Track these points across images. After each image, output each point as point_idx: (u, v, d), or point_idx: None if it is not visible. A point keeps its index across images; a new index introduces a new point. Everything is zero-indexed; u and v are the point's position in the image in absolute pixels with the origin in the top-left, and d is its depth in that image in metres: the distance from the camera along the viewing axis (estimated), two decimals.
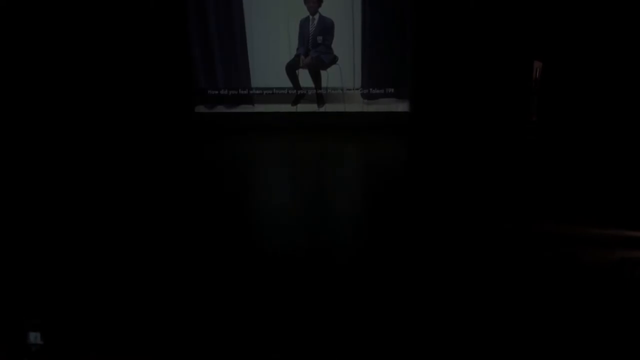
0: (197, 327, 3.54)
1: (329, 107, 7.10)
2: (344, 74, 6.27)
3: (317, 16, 5.52)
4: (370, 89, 6.68)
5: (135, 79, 8.48)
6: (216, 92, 7.25)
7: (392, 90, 7.36)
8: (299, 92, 6.16)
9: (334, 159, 8.06)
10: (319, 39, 5.45)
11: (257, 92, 6.40)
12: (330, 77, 6.32)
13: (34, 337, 3.02)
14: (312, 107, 6.76)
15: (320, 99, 6.36)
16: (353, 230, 5.51)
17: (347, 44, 6.36)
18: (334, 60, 5.82)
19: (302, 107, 6.54)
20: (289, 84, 6.39)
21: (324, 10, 5.73)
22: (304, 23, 5.55)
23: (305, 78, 6.46)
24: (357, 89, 6.18)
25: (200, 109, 7.71)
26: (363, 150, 8.40)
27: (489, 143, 7.73)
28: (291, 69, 5.73)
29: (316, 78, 5.87)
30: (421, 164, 7.63)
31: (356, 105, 6.40)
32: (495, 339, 3.36)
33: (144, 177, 6.84)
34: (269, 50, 6.46)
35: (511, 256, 4.52)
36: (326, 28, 5.54)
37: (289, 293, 4.02)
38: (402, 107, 8.74)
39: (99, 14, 8.10)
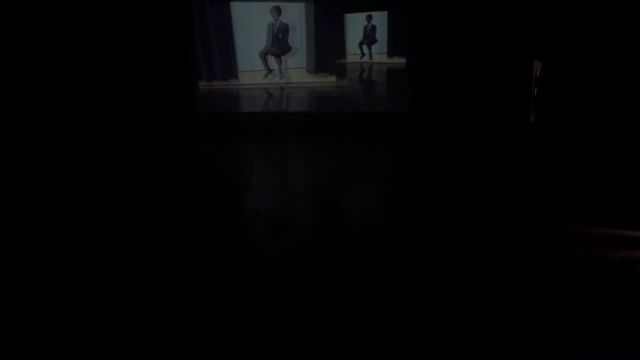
0: (195, 328, 3.54)
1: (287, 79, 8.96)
2: (296, 58, 8.47)
3: (278, 22, 8.09)
4: (312, 68, 8.87)
5: (134, 78, 8.48)
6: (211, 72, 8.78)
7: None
8: (268, 69, 8.48)
9: (334, 159, 8.06)
10: (280, 36, 7.89)
11: (242, 71, 8.50)
12: (288, 60, 8.60)
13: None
14: (276, 79, 8.68)
15: (281, 74, 8.53)
16: (353, 231, 5.52)
17: (299, 39, 8.58)
18: (289, 50, 8.25)
19: (270, 79, 8.69)
20: (261, 66, 8.54)
21: (284, 17, 8.36)
22: (271, 26, 8.08)
23: (271, 60, 8.57)
24: (303, 67, 8.52)
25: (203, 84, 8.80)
26: (362, 150, 8.40)
27: (489, 142, 7.74)
28: (263, 54, 8.18)
29: (279, 60, 8.23)
30: (421, 163, 7.64)
31: (301, 75, 8.59)
32: (494, 340, 3.36)
33: (143, 177, 6.85)
34: (251, 43, 8.50)
35: (510, 255, 4.53)
36: (285, 29, 8.09)
37: (288, 295, 4.01)
38: (401, 107, 9.06)
39: (100, 13, 8.10)
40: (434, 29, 8.60)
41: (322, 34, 8.15)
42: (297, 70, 8.23)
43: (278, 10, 7.75)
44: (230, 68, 8.06)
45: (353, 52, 9.62)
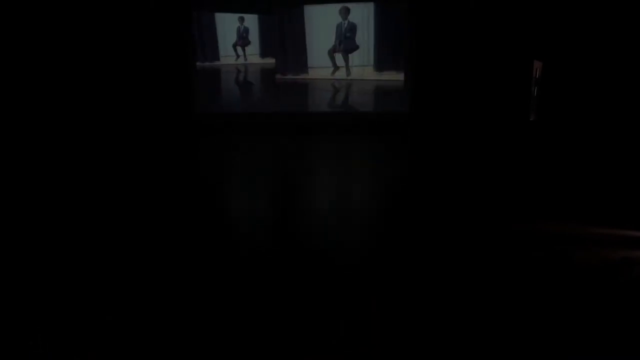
0: (195, 328, 3.54)
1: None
2: (252, 49, 9.54)
3: (242, 26, 9.41)
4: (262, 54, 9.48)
5: (135, 78, 8.49)
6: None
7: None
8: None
9: (334, 159, 8.06)
10: (244, 35, 9.45)
11: (223, 56, 9.59)
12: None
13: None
14: (241, 60, 9.64)
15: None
16: (353, 230, 5.52)
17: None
18: (249, 43, 9.65)
19: (237, 61, 9.57)
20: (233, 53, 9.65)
21: (246, 23, 9.41)
22: (238, 29, 9.53)
23: (239, 49, 9.66)
24: (256, 54, 9.45)
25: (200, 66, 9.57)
26: (363, 150, 8.40)
27: (489, 142, 7.74)
28: (234, 45, 9.67)
29: (242, 49, 9.62)
30: (421, 163, 7.64)
31: (255, 58, 9.41)
32: (494, 340, 3.36)
33: (144, 176, 6.85)
34: (229, 38, 9.57)
35: (510, 255, 4.53)
36: (246, 30, 9.50)
37: (288, 295, 4.02)
38: (401, 106, 8.91)
39: (100, 13, 8.11)
40: (434, 29, 8.59)
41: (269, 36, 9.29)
42: (254, 55, 9.50)
43: (242, 19, 9.65)
44: (215, 53, 9.74)
45: (319, 64, 7.90)
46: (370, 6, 7.58)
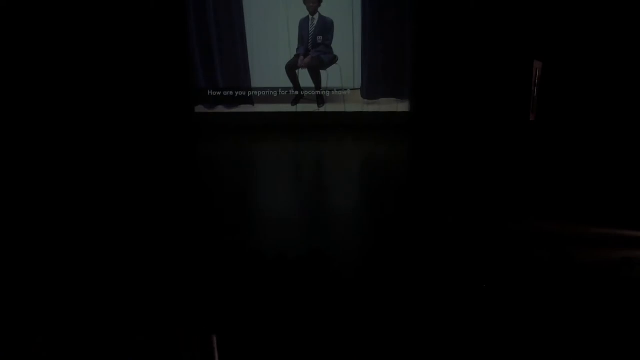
0: (193, 328, 3.53)
1: (328, 107, 7.36)
2: (344, 74, 6.79)
3: (316, 16, 6.22)
4: (370, 89, 6.77)
5: (135, 79, 8.50)
6: (217, 93, 7.80)
7: (392, 89, 7.44)
8: (299, 92, 6.54)
9: (334, 159, 8.06)
10: (319, 38, 6.13)
11: (257, 93, 6.95)
12: (330, 77, 6.84)
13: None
14: (312, 107, 7.00)
15: (320, 99, 6.84)
16: (353, 230, 5.51)
17: (347, 44, 6.78)
18: (333, 60, 6.52)
19: (301, 107, 7.00)
20: (290, 84, 6.66)
21: (324, 9, 6.18)
22: (304, 23, 6.18)
23: (305, 78, 6.72)
24: (357, 89, 6.36)
25: (200, 109, 8.12)
26: (363, 150, 8.40)
27: (489, 142, 7.74)
28: (291, 68, 6.53)
29: (316, 78, 6.43)
30: (421, 163, 7.64)
31: (356, 105, 6.54)
32: (494, 341, 3.36)
33: (144, 176, 6.85)
34: (269, 50, 7.00)
35: (510, 255, 4.53)
36: (326, 28, 6.19)
37: (288, 295, 4.01)
38: (402, 107, 8.75)
39: (100, 14, 8.12)
40: (434, 29, 8.59)
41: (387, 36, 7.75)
42: (345, 94, 8.27)
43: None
44: (239, 87, 8.46)
45: (271, 86, 6.55)
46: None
